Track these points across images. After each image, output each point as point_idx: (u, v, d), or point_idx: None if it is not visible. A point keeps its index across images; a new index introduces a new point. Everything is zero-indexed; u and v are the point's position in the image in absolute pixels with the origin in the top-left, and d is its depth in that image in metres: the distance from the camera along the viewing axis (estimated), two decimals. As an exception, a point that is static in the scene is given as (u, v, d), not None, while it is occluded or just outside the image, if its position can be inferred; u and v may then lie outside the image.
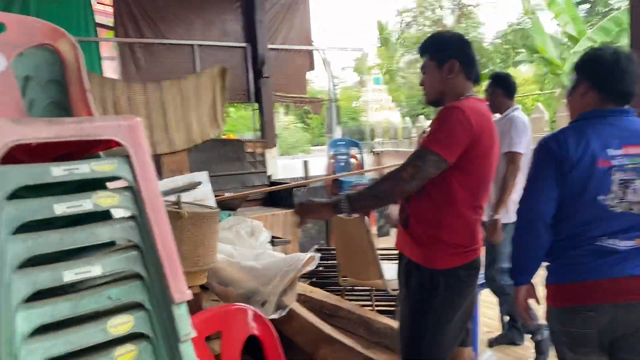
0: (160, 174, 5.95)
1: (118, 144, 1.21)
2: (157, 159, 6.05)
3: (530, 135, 3.34)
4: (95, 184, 1.27)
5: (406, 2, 15.63)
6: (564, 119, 6.11)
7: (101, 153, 1.39)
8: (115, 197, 1.16)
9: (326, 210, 1.88)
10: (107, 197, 1.15)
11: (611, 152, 1.77)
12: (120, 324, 1.13)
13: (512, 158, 3.16)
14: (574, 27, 12.42)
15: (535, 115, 7.43)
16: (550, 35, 12.98)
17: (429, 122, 8.40)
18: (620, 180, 1.76)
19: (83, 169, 1.09)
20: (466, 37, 2.05)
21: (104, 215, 1.35)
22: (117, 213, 1.36)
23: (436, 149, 1.77)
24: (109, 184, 1.36)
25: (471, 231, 1.90)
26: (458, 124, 1.77)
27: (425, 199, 1.89)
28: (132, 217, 1.19)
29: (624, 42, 8.57)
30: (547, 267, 1.91)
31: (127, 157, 1.18)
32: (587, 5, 16.73)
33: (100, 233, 1.13)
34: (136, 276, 1.19)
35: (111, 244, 1.35)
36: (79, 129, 1.09)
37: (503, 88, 3.38)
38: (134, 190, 1.18)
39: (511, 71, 15.19)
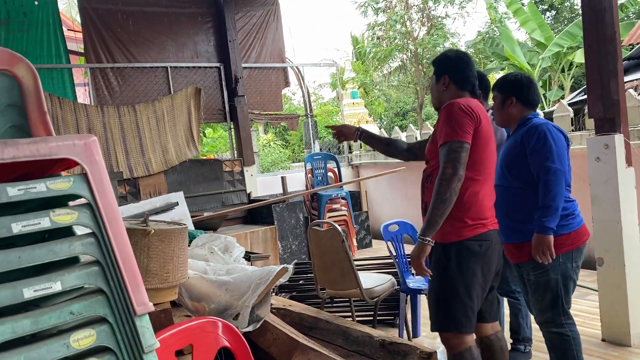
0: (138, 197, 5.95)
1: (76, 163, 1.24)
2: (134, 182, 6.06)
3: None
4: (58, 204, 1.30)
5: (377, 17, 15.79)
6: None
7: (62, 173, 1.42)
8: (75, 214, 1.19)
9: (421, 251, 2.20)
10: (66, 215, 1.18)
11: None
12: (83, 338, 1.15)
13: None
14: (541, 33, 12.73)
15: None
16: (518, 43, 13.28)
17: (405, 133, 8.50)
18: None
19: (39, 187, 1.12)
20: (464, 55, 2.45)
21: (69, 234, 1.38)
22: (80, 231, 1.39)
23: (454, 137, 2.14)
24: (71, 203, 1.39)
25: (479, 205, 2.22)
26: (461, 112, 2.17)
27: (434, 184, 2.21)
28: (92, 234, 1.22)
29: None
30: (560, 221, 2.49)
31: (84, 175, 1.21)
32: (553, 12, 17.14)
33: (60, 250, 1.15)
34: (98, 291, 1.22)
35: (77, 261, 1.37)
36: (34, 149, 1.12)
37: (482, 89, 3.36)
38: (92, 207, 1.21)
39: (484, 79, 15.43)
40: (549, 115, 5.74)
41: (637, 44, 8.33)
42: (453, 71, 2.38)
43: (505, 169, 2.70)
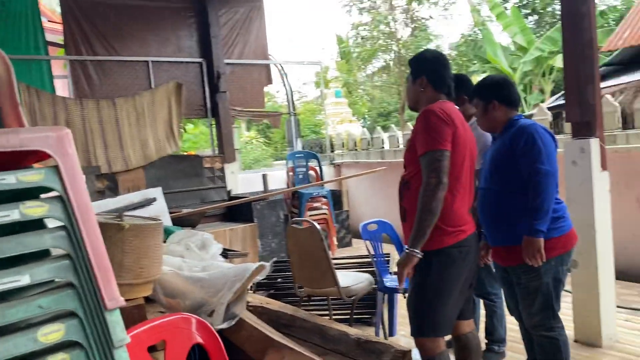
0: (116, 192, 5.88)
1: (48, 156, 1.23)
2: (112, 176, 5.98)
3: None
4: (30, 196, 1.28)
5: (361, 16, 15.83)
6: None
7: (34, 165, 1.40)
8: (45, 207, 1.17)
9: (408, 261, 2.23)
10: (36, 207, 1.16)
11: None
12: (51, 333, 1.14)
13: None
14: (523, 37, 12.89)
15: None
16: (500, 46, 13.42)
17: (387, 134, 8.54)
18: None
19: (9, 179, 1.10)
20: (441, 56, 2.45)
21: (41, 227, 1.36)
22: (51, 224, 1.37)
23: (434, 146, 2.16)
24: (43, 196, 1.37)
25: (456, 212, 2.25)
26: (438, 120, 2.18)
27: (414, 192, 2.25)
28: (63, 227, 1.20)
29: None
30: (552, 224, 2.47)
31: (56, 168, 1.19)
32: (536, 17, 17.34)
33: (29, 243, 1.13)
34: (68, 285, 1.20)
35: (48, 254, 1.36)
36: (4, 140, 1.10)
37: (467, 92, 3.20)
38: (63, 200, 1.19)
39: (466, 82, 15.56)
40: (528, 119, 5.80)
41: (616, 50, 8.47)
42: (431, 72, 2.37)
43: (493, 171, 2.66)
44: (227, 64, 7.35)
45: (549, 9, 16.79)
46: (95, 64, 6.32)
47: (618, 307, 3.73)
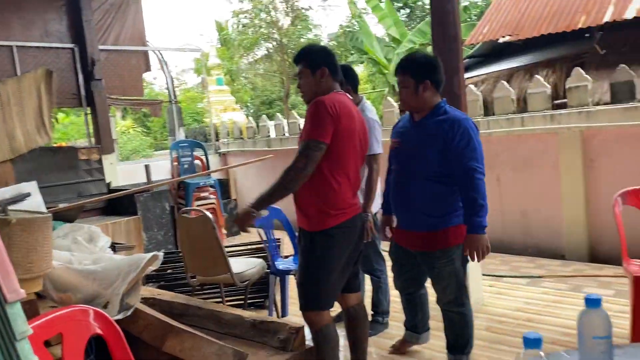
0: (-20, 188, 5.40)
1: None
2: (-25, 172, 5.48)
3: None
4: None
5: (242, 4, 15.69)
6: (390, 114, 6.72)
7: None
8: None
9: (245, 216, 2.38)
10: None
11: None
12: (-53, 330, 1.10)
13: (375, 159, 3.18)
14: (397, 30, 13.58)
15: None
16: (376, 38, 14.04)
17: (273, 122, 8.65)
18: None
19: None
20: (329, 48, 2.63)
21: None
22: None
23: (314, 136, 2.30)
24: None
25: (339, 197, 2.41)
26: (324, 112, 2.30)
27: None
28: (-48, 222, 1.16)
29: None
30: (460, 211, 2.55)
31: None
32: (407, 10, 18.32)
33: None
34: (-38, 281, 1.17)
35: None
36: None
37: (350, 83, 3.20)
38: (-47, 194, 1.15)
39: (345, 71, 16.07)
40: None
41: (477, 43, 9.27)
42: (330, 63, 2.48)
43: (417, 156, 2.63)
44: (102, 50, 7.01)
45: (419, 2, 17.83)
46: (-52, 47, 5.72)
47: (483, 275, 4.20)
